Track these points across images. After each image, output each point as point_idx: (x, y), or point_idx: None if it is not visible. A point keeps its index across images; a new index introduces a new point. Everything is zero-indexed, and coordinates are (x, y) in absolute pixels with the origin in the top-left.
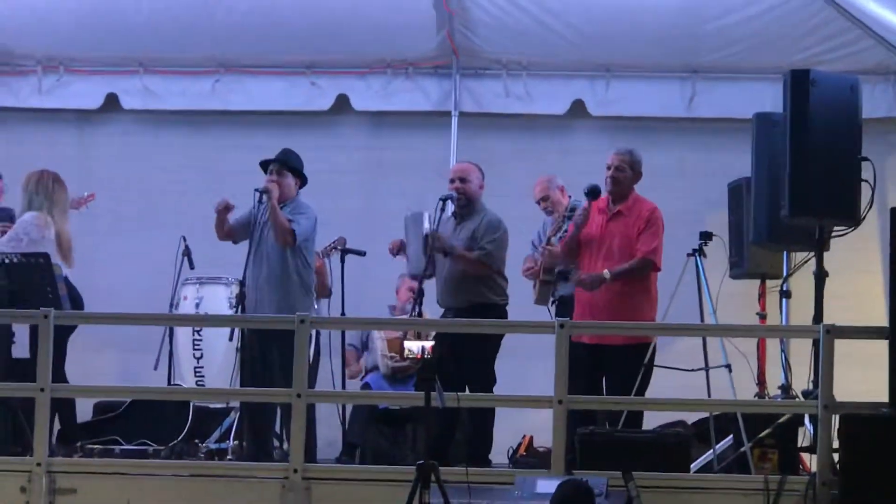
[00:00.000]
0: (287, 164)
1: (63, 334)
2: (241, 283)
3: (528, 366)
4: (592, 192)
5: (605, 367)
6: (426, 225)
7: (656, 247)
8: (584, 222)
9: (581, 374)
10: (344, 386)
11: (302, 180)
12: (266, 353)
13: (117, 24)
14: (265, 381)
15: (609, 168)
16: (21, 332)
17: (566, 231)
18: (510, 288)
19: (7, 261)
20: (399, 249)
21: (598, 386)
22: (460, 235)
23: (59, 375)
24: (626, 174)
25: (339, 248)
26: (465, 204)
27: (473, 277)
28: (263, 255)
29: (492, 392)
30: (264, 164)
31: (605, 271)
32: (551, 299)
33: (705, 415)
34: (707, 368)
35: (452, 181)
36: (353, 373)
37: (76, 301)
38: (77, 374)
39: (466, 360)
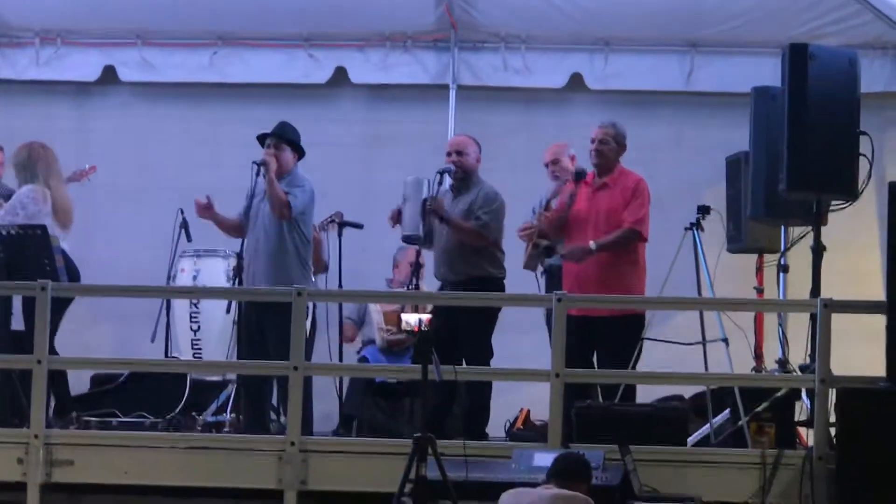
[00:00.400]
0: (284, 137)
1: (60, 307)
2: (239, 256)
3: (519, 339)
4: (578, 174)
5: (596, 339)
6: (425, 190)
7: (642, 217)
8: (571, 204)
9: (569, 347)
10: (341, 359)
11: (299, 153)
12: (263, 326)
13: None
14: (262, 353)
15: (593, 141)
16: (20, 304)
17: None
18: (506, 261)
19: (4, 233)
20: (398, 219)
21: (588, 358)
22: (457, 208)
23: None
24: (610, 146)
25: (336, 221)
26: (462, 177)
27: (471, 250)
28: (260, 227)
29: (489, 365)
30: (261, 138)
31: (591, 242)
32: (540, 269)
33: (702, 389)
34: (704, 342)
35: (449, 154)
36: (351, 343)
37: (73, 273)
38: (74, 346)
39: (463, 333)
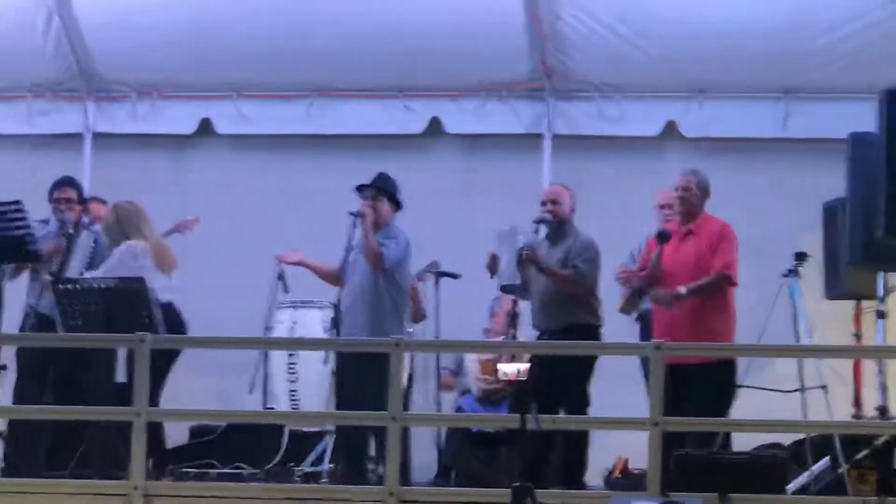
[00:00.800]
0: (382, 189)
1: (167, 361)
2: (336, 307)
3: (613, 387)
4: (662, 236)
5: (688, 386)
6: (520, 239)
7: (731, 261)
8: (657, 265)
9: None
10: (439, 410)
11: (397, 205)
12: (360, 377)
13: (211, 50)
14: (360, 404)
15: (677, 189)
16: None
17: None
18: (602, 309)
19: (104, 286)
20: (494, 266)
21: (680, 406)
22: (554, 257)
23: (152, 401)
24: (693, 193)
25: (433, 271)
26: (557, 226)
27: (568, 298)
28: (357, 279)
29: (587, 414)
30: (360, 189)
31: (681, 287)
32: (634, 314)
33: (801, 436)
34: (803, 389)
35: (544, 203)
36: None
37: (178, 325)
38: (173, 397)
39: (561, 382)
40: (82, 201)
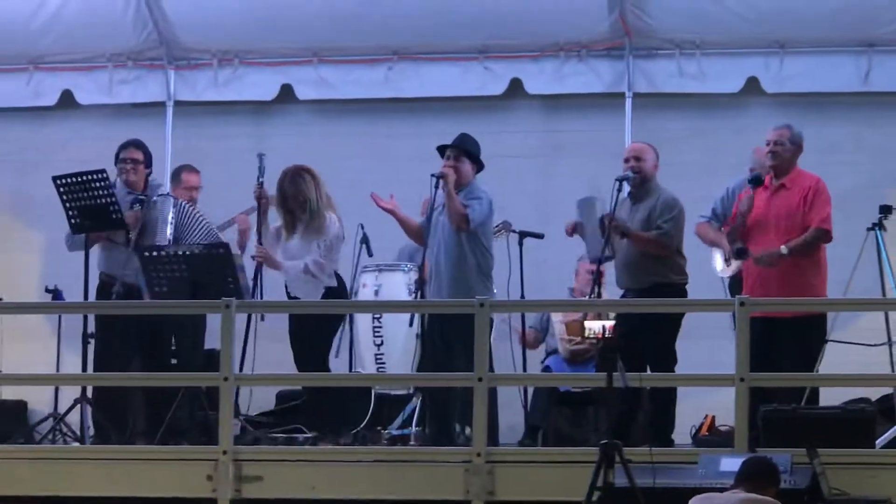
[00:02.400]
0: (464, 149)
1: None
2: (420, 269)
3: (701, 344)
4: (756, 180)
5: (778, 341)
6: (598, 209)
7: (827, 216)
8: (749, 210)
9: (752, 350)
10: (525, 369)
11: (479, 166)
12: (447, 338)
13: (290, 15)
14: (446, 365)
15: (769, 143)
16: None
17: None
18: (688, 266)
19: (188, 252)
20: (574, 230)
21: (772, 361)
22: (637, 216)
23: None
24: (786, 147)
25: (504, 230)
26: (641, 183)
27: (652, 257)
28: (440, 240)
29: (673, 372)
30: (441, 149)
31: (783, 247)
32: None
33: (889, 391)
34: (890, 343)
35: (627, 160)
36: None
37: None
38: (260, 363)
39: (647, 340)
40: (149, 164)
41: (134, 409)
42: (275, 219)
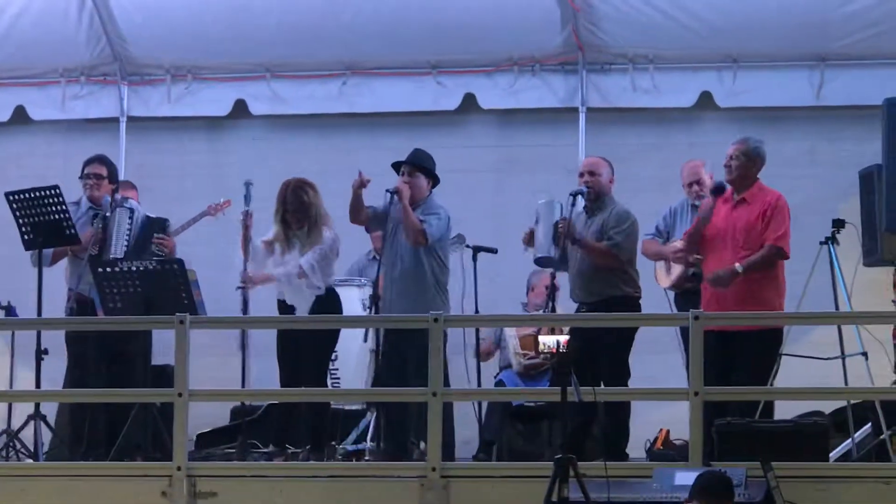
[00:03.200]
0: (418, 165)
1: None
2: (375, 285)
3: (654, 358)
4: (718, 189)
5: (733, 355)
6: (557, 213)
7: (784, 234)
8: (708, 217)
9: (708, 363)
10: (479, 384)
11: (434, 180)
12: (401, 353)
13: (243, 31)
14: (400, 381)
15: (729, 158)
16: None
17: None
18: (641, 280)
19: (142, 267)
20: (531, 240)
21: (725, 375)
22: (591, 229)
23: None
24: (740, 161)
25: (460, 244)
26: (595, 198)
27: (606, 270)
28: (397, 254)
29: (627, 385)
30: (396, 166)
31: (737, 265)
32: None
33: (842, 404)
34: (843, 357)
35: (582, 175)
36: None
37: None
38: (213, 378)
39: (601, 354)
40: (113, 180)
41: (94, 424)
42: (258, 235)
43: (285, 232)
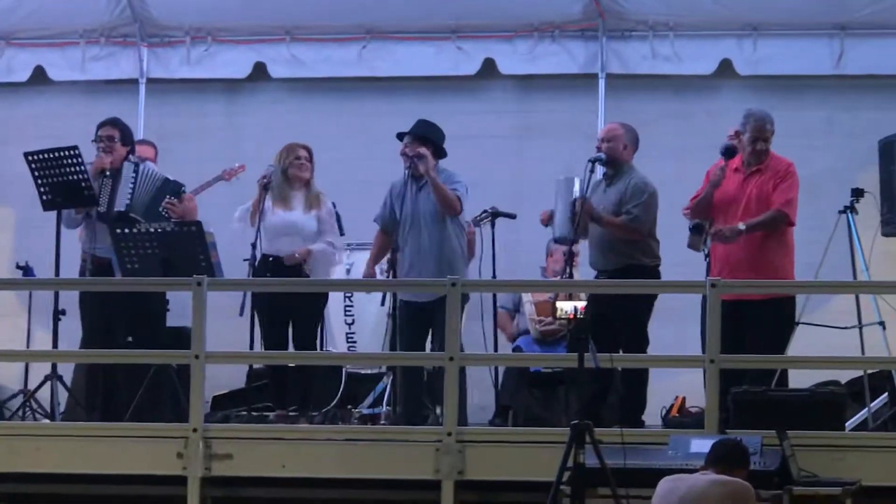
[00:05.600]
0: (427, 138)
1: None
2: (393, 249)
3: (673, 326)
4: (728, 152)
5: (747, 323)
6: (576, 190)
7: (791, 199)
8: (719, 181)
9: (722, 332)
10: (496, 349)
11: (441, 154)
12: (416, 317)
13: None
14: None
15: (752, 139)
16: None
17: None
18: (662, 248)
19: (160, 229)
20: (549, 219)
21: (741, 342)
22: (609, 199)
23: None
24: (764, 147)
25: (490, 214)
26: (612, 165)
27: (624, 240)
28: (420, 223)
29: (645, 353)
30: (401, 136)
31: (740, 223)
32: (705, 250)
33: (859, 373)
34: (860, 326)
35: (600, 142)
36: (508, 336)
37: None
38: (230, 340)
39: (619, 321)
40: (127, 142)
41: (110, 385)
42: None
43: (284, 193)
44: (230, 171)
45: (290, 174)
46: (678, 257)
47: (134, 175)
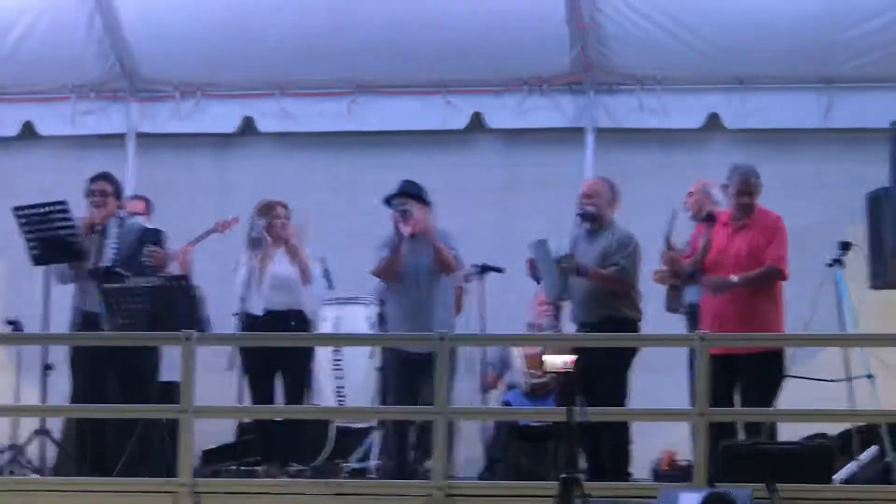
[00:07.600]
0: (415, 195)
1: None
2: (382, 303)
3: (659, 379)
4: (710, 218)
5: (736, 376)
6: (553, 248)
7: (783, 255)
8: (708, 247)
9: (711, 384)
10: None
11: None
12: (408, 372)
13: (252, 48)
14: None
15: (738, 192)
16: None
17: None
18: (645, 300)
19: (149, 284)
20: (533, 269)
21: (729, 396)
22: (593, 252)
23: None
24: (748, 200)
25: (478, 270)
26: (594, 220)
27: (607, 292)
28: (412, 279)
29: (623, 405)
30: (388, 200)
31: (733, 276)
32: (681, 308)
33: (848, 426)
34: (849, 379)
35: (582, 198)
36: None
37: None
38: (218, 395)
39: (598, 374)
40: (119, 197)
41: (100, 440)
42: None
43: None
44: (224, 223)
45: (273, 234)
46: (655, 309)
47: (118, 230)
